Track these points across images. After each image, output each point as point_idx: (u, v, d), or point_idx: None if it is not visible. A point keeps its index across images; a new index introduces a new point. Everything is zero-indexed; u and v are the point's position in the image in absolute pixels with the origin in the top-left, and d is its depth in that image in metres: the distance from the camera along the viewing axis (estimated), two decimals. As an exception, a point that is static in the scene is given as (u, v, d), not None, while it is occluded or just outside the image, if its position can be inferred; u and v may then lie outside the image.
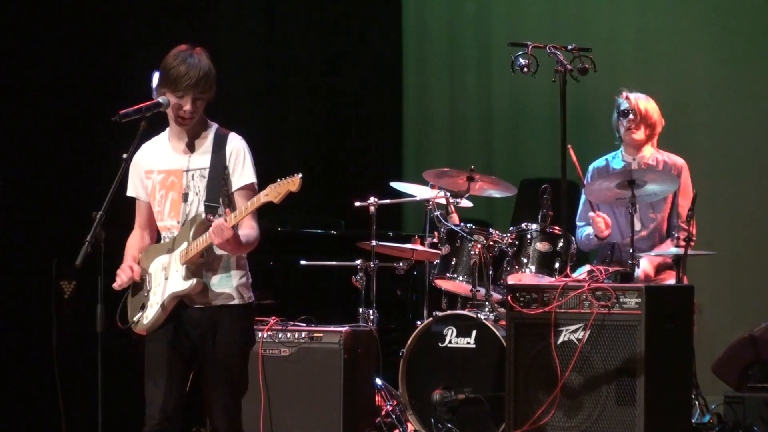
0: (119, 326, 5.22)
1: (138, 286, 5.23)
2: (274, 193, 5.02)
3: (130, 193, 5.27)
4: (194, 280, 5.09)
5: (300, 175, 4.98)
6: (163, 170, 5.22)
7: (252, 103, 9.30)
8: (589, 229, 7.22)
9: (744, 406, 6.90)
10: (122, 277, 5.17)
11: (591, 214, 7.11)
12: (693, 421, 6.69)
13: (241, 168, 5.22)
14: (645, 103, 7.18)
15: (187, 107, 5.12)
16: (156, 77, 5.21)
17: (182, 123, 5.17)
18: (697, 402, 6.89)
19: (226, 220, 4.99)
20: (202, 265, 5.14)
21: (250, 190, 5.16)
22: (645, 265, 7.03)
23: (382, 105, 9.76)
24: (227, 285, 5.15)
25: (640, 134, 7.17)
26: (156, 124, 5.27)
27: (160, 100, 5.19)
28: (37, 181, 7.75)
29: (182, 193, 5.22)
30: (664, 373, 6.02)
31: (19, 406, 7.53)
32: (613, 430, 5.95)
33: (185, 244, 5.13)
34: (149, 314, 5.17)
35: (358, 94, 9.73)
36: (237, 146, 5.24)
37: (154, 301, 5.17)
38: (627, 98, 7.18)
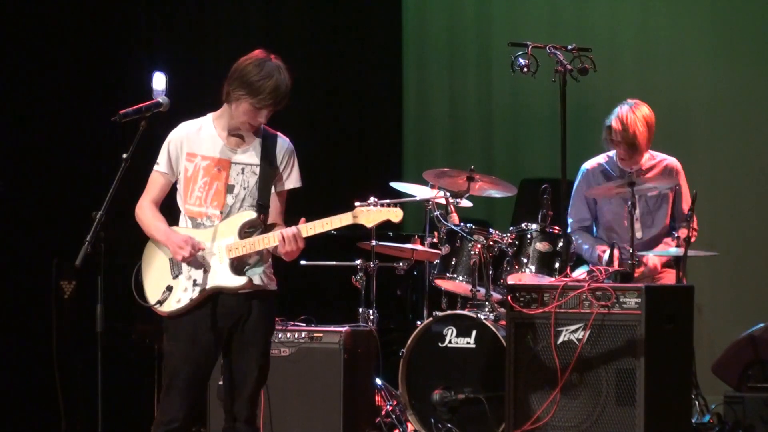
0: (141, 302, 5.18)
1: (158, 265, 5.19)
2: (368, 217, 5.06)
3: (162, 168, 5.18)
4: (245, 278, 5.11)
5: (400, 210, 5.06)
6: (208, 157, 5.20)
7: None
8: (586, 242, 7.20)
9: (744, 406, 6.90)
10: (187, 250, 5.07)
11: (598, 248, 7.08)
12: (693, 421, 6.69)
13: (290, 170, 5.32)
14: (637, 128, 7.03)
15: (263, 119, 5.19)
16: (157, 77, 5.22)
17: (249, 129, 5.19)
18: (697, 402, 6.89)
19: (298, 230, 5.06)
20: (245, 257, 5.15)
21: (289, 194, 5.22)
22: (654, 259, 7.02)
23: (382, 105, 9.76)
24: (259, 272, 5.19)
25: (630, 161, 7.12)
26: (155, 123, 5.27)
27: (160, 100, 5.19)
28: (37, 181, 7.75)
29: (227, 184, 5.21)
30: (664, 373, 6.02)
31: (19, 406, 7.53)
32: (613, 430, 5.95)
33: (232, 239, 5.12)
34: (180, 298, 5.12)
35: (358, 94, 9.73)
36: (289, 148, 5.34)
37: (187, 285, 5.13)
38: (619, 128, 7.06)
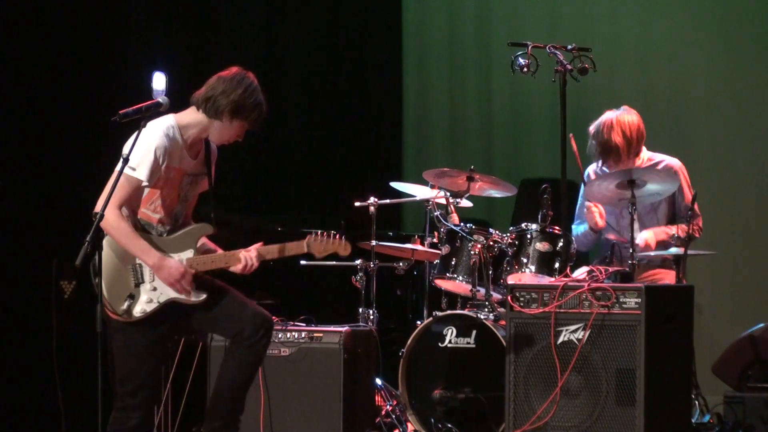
0: (112, 316, 5.22)
1: (115, 269, 5.20)
2: (318, 248, 5.14)
3: (142, 177, 5.20)
4: (204, 296, 5.15)
5: (348, 245, 5.18)
6: (176, 168, 5.24)
7: (252, 103, 9.29)
8: (585, 226, 7.22)
9: (744, 406, 6.90)
10: (188, 284, 5.21)
11: (587, 203, 7.09)
12: (693, 421, 6.69)
13: (212, 170, 5.42)
14: (612, 133, 7.04)
15: (241, 138, 5.33)
16: (157, 77, 5.24)
17: (222, 145, 5.32)
18: (697, 402, 6.89)
19: (258, 253, 5.19)
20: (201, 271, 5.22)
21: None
22: (647, 235, 6.97)
23: (382, 105, 9.76)
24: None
25: (617, 166, 7.12)
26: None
27: (160, 100, 5.20)
28: (37, 181, 7.75)
29: (179, 194, 5.24)
30: (664, 373, 6.02)
31: (19, 406, 7.52)
32: (613, 430, 5.95)
33: (191, 252, 5.16)
34: (145, 308, 5.19)
35: (358, 94, 9.73)
36: (216, 152, 5.39)
37: (151, 296, 5.17)
38: (592, 131, 7.09)
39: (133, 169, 5.18)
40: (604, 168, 7.24)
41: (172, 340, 5.32)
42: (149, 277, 5.21)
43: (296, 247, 5.24)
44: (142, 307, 5.19)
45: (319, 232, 5.25)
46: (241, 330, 5.28)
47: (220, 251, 5.36)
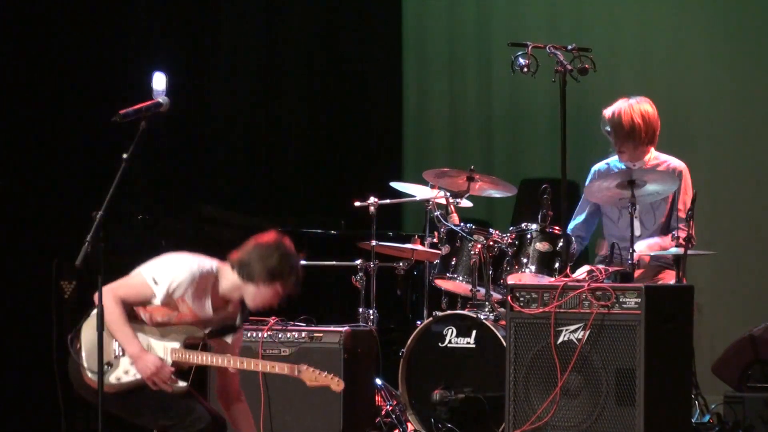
0: (87, 378, 5.26)
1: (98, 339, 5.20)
2: (310, 377, 5.29)
3: (156, 295, 5.26)
4: (184, 384, 5.20)
5: (342, 382, 5.28)
6: (193, 314, 5.32)
7: (252, 103, 9.30)
8: (580, 218, 7.26)
9: (744, 406, 6.90)
10: (165, 382, 5.24)
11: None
12: (693, 421, 6.69)
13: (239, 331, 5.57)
14: (624, 115, 7.08)
15: (276, 303, 5.40)
16: (157, 77, 5.23)
17: (254, 308, 5.41)
18: (697, 402, 6.89)
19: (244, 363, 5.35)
20: (182, 364, 5.30)
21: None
22: (641, 247, 6.98)
23: (382, 105, 9.76)
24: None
25: (628, 153, 7.13)
26: (155, 124, 5.27)
27: (160, 100, 5.19)
28: (37, 181, 7.75)
29: (184, 321, 5.33)
30: (664, 373, 6.02)
31: (19, 406, 7.52)
32: (613, 430, 5.95)
33: (178, 344, 5.23)
34: (121, 378, 5.25)
35: (358, 93, 9.73)
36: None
37: (128, 368, 5.24)
38: (609, 116, 7.09)
39: (155, 283, 5.25)
40: (610, 164, 7.24)
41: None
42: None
43: (288, 369, 5.33)
44: (118, 375, 5.23)
45: (313, 369, 5.34)
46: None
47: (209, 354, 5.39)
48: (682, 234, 6.82)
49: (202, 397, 5.49)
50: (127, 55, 8.13)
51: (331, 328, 6.74)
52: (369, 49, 9.75)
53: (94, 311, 5.16)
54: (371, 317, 7.11)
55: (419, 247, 7.23)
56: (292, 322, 6.85)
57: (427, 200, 7.28)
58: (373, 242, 7.20)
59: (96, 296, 5.08)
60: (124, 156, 5.12)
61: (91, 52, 7.98)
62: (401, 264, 7.31)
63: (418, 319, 7.16)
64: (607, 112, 7.12)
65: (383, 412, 6.97)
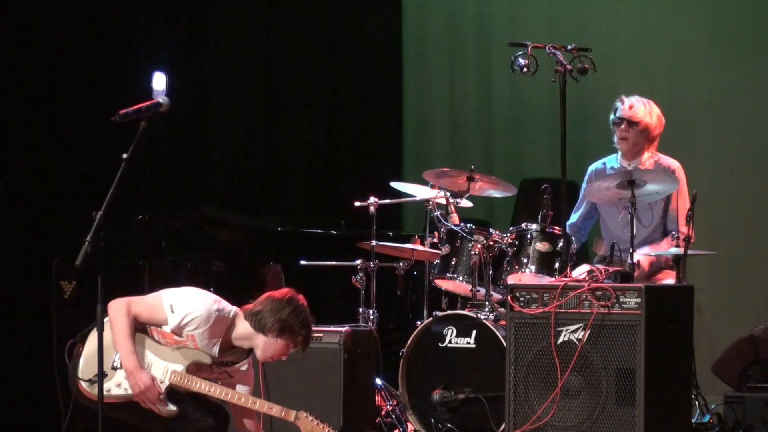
0: (80, 386, 5.28)
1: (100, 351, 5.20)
2: (306, 426, 5.30)
3: (168, 322, 5.28)
4: (174, 409, 5.22)
5: None
6: (200, 353, 5.33)
7: (252, 103, 9.30)
8: (577, 215, 7.27)
9: (744, 406, 6.89)
10: (152, 400, 5.24)
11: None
12: (693, 421, 6.69)
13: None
14: (641, 110, 7.13)
15: (286, 357, 5.41)
16: (157, 77, 5.22)
17: (263, 361, 5.46)
18: (697, 402, 6.89)
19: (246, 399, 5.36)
20: (180, 387, 5.30)
21: None
22: (640, 258, 6.99)
23: (382, 105, 9.76)
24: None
25: (630, 144, 7.14)
26: (156, 124, 5.27)
27: (160, 100, 5.19)
28: (37, 181, 7.75)
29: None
30: (664, 373, 6.02)
31: (19, 406, 7.52)
32: (613, 430, 5.94)
33: (181, 367, 5.24)
34: (110, 390, 5.25)
35: (358, 94, 9.73)
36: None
37: (121, 382, 5.24)
38: (622, 104, 7.15)
39: (172, 311, 5.27)
40: (606, 164, 7.25)
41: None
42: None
43: (285, 414, 5.31)
44: (109, 386, 5.24)
45: (313, 417, 5.34)
46: None
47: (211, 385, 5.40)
48: (682, 233, 6.82)
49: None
50: (127, 55, 8.13)
51: (331, 328, 6.74)
52: (369, 48, 9.76)
53: (106, 319, 5.18)
54: (371, 317, 7.10)
55: (419, 247, 7.23)
56: (292, 322, 6.84)
57: (427, 200, 7.28)
58: (373, 242, 7.20)
59: (109, 304, 5.13)
60: (124, 156, 5.12)
61: (91, 52, 7.98)
62: (401, 264, 7.31)
63: (418, 319, 7.16)
64: (625, 99, 7.14)
65: (383, 412, 6.97)
